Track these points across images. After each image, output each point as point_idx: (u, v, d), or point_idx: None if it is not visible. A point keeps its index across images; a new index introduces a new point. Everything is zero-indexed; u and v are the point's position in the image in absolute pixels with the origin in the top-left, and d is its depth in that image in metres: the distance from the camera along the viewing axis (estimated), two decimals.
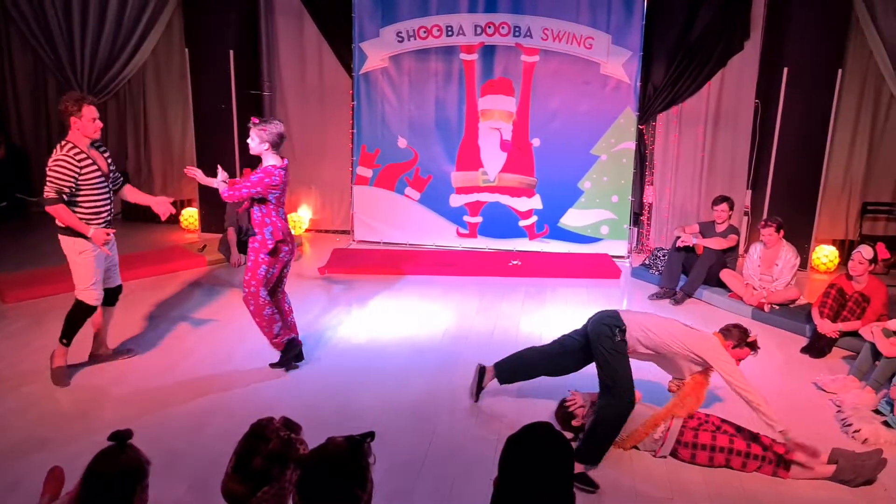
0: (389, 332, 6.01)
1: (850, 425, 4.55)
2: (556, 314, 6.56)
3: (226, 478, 2.27)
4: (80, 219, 4.61)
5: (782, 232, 6.65)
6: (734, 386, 3.97)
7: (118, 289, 5.10)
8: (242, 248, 7.71)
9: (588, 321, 4.35)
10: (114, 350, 5.27)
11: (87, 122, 4.58)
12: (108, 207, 4.78)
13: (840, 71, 7.75)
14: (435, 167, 8.52)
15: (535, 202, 8.49)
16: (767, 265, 6.69)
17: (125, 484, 2.22)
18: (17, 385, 4.81)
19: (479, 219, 8.59)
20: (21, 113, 9.42)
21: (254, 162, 8.68)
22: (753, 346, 4.30)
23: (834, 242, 8.43)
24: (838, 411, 4.78)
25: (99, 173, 4.66)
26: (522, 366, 4.64)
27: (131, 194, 5.12)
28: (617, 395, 4.07)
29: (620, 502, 3.76)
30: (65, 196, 4.54)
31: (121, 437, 2.27)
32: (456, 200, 8.58)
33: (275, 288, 5.12)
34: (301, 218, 9.14)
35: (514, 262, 7.98)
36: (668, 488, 3.90)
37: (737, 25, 8.04)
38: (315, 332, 5.93)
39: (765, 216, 7.78)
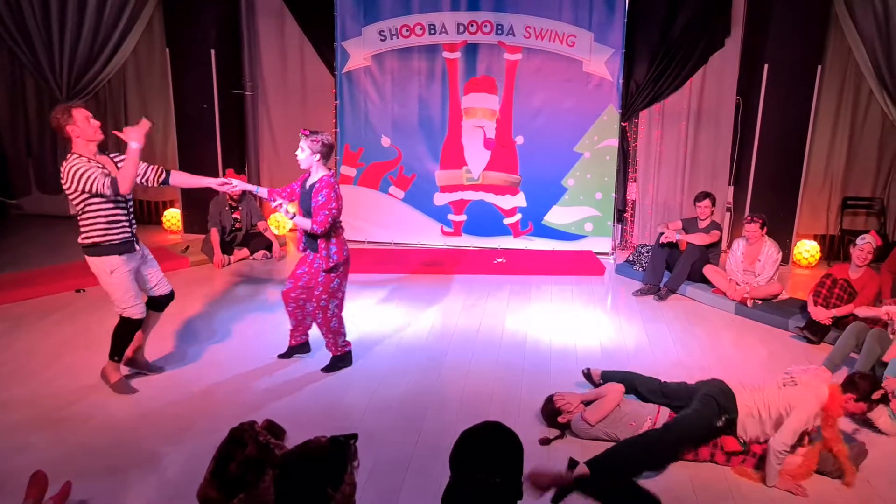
0: (375, 331, 6.00)
1: None
2: (541, 311, 6.58)
3: (203, 482, 2.25)
4: (98, 230, 4.40)
5: (766, 229, 6.71)
6: (782, 434, 3.87)
7: (170, 295, 4.91)
8: (226, 248, 7.68)
9: (703, 385, 4.25)
10: (147, 362, 5.06)
11: (84, 126, 4.32)
12: (128, 216, 4.53)
13: (820, 67, 7.83)
14: (419, 166, 8.51)
15: (520, 200, 8.51)
16: (750, 261, 6.74)
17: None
18: None
19: (463, 217, 8.60)
20: None
21: (236, 163, 8.67)
22: (882, 401, 4.02)
23: (815, 237, 8.51)
24: None
25: (105, 173, 4.36)
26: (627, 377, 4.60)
27: (182, 180, 4.90)
28: (662, 444, 4.02)
29: None
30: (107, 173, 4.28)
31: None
32: (440, 199, 8.58)
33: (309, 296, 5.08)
34: (285, 218, 9.07)
35: (499, 260, 8.00)
36: (654, 484, 3.91)
37: (718, 23, 8.09)
38: None
39: (747, 212, 7.86)
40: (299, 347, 5.34)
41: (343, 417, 4.49)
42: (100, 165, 4.34)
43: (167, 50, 8.48)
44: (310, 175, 4.84)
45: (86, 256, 4.52)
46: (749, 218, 6.81)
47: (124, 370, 4.88)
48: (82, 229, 4.45)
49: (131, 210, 4.59)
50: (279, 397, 4.77)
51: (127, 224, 4.54)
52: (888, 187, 8.31)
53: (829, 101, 8.18)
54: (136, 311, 4.63)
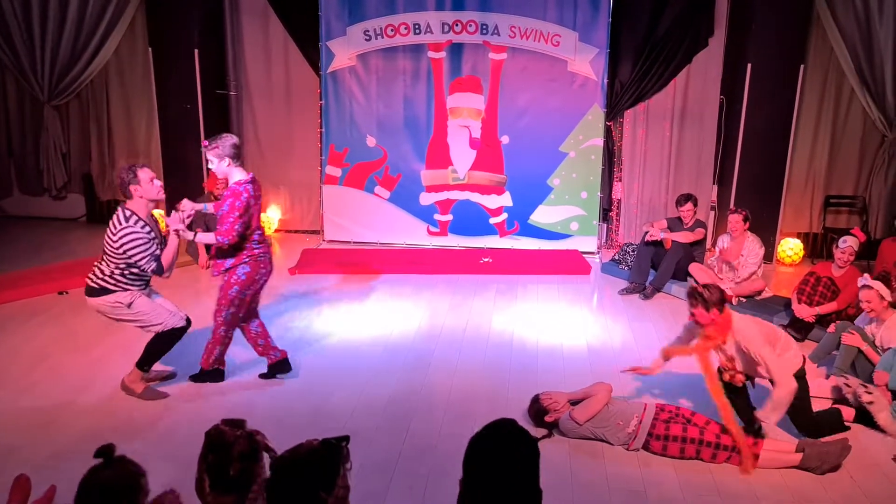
0: (361, 331, 5.99)
1: (865, 387, 4.63)
2: (527, 311, 6.59)
3: (208, 498, 2.23)
4: (122, 285, 4.38)
5: (748, 223, 6.78)
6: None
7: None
8: (211, 249, 7.62)
9: None
10: (155, 371, 4.94)
11: (147, 186, 4.35)
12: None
13: (802, 67, 7.90)
14: (404, 166, 8.50)
15: (505, 199, 8.52)
16: (733, 257, 6.83)
17: (117, 499, 2.15)
18: None
19: (449, 217, 8.60)
20: None
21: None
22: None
23: (798, 235, 8.58)
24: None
25: (157, 241, 4.44)
26: None
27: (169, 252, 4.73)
28: None
29: (594, 496, 3.79)
30: (158, 252, 4.37)
31: (106, 453, 2.21)
32: (426, 199, 8.57)
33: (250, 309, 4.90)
34: (270, 218, 9.07)
35: (485, 260, 8.00)
36: (641, 480, 3.93)
37: (701, 22, 8.13)
38: (286, 333, 5.88)
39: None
40: (278, 365, 5.03)
41: (330, 418, 4.47)
42: (152, 235, 4.37)
43: (150, 50, 8.42)
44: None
45: (90, 300, 4.45)
46: (733, 209, 6.90)
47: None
48: (98, 272, 4.40)
49: None
50: (266, 398, 4.76)
51: (148, 279, 4.55)
52: (870, 185, 8.39)
53: (812, 100, 8.25)
54: (177, 320, 4.60)
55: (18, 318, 6.03)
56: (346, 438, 2.11)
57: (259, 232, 4.70)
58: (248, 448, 2.21)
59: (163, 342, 4.62)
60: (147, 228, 4.37)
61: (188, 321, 4.71)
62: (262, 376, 5.04)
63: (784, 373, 4.03)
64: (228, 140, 4.54)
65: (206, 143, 4.56)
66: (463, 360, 5.46)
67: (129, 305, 4.45)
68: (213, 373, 4.94)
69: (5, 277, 6.80)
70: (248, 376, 5.06)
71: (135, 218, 4.34)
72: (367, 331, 6.00)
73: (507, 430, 2.05)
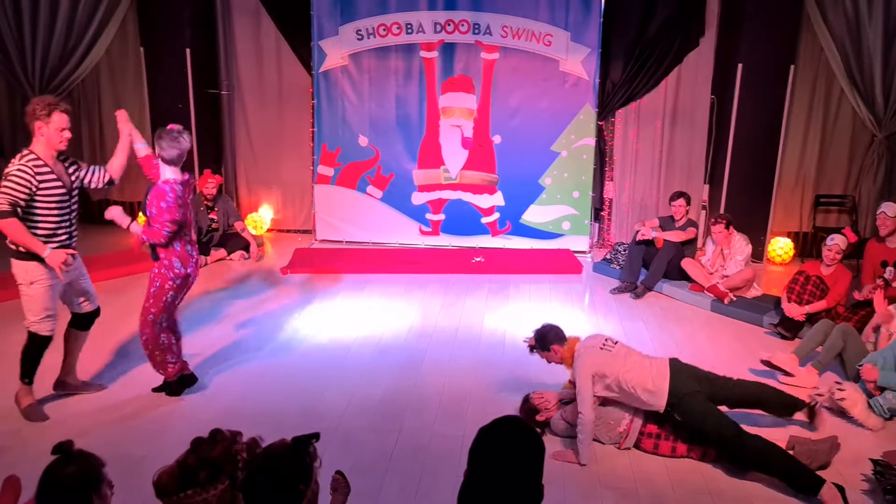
0: (353, 331, 5.99)
1: (838, 383, 4.68)
2: (519, 310, 6.60)
3: (165, 467, 2.27)
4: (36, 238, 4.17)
5: (732, 228, 6.85)
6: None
7: (95, 312, 4.65)
8: (203, 249, 7.61)
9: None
10: (83, 382, 4.79)
11: (54, 131, 4.10)
12: (68, 228, 4.30)
13: (792, 67, 7.94)
14: (396, 165, 8.50)
15: (497, 199, 8.53)
16: (722, 259, 6.92)
17: (79, 493, 2.19)
18: None
19: (441, 216, 8.60)
20: None
21: (212, 164, 8.61)
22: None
23: (789, 234, 8.62)
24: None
25: (62, 190, 4.19)
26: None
27: (117, 164, 4.66)
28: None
29: (585, 495, 3.80)
30: (19, 210, 4.05)
31: (63, 450, 2.24)
32: (418, 198, 8.58)
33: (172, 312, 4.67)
34: (262, 218, 9.06)
35: (477, 259, 8.01)
36: (632, 479, 3.95)
37: (692, 23, 8.17)
38: (278, 332, 5.89)
39: (722, 209, 7.96)
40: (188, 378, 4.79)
41: (322, 418, 4.47)
42: (43, 179, 4.11)
43: (141, 49, 8.40)
44: (159, 174, 4.46)
45: (11, 259, 4.22)
46: (713, 220, 6.96)
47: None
48: None
49: (73, 221, 4.37)
50: (254, 399, 4.75)
51: (66, 236, 4.31)
52: (859, 184, 8.44)
53: (802, 100, 8.29)
54: (45, 327, 4.30)
55: (5, 319, 6.00)
56: (316, 436, 2.14)
57: (189, 233, 4.53)
58: (219, 457, 2.24)
59: (30, 351, 4.38)
60: (47, 172, 4.11)
61: (78, 327, 4.56)
62: (157, 389, 4.76)
63: (585, 404, 4.04)
64: (184, 143, 4.38)
65: (179, 128, 4.40)
66: (455, 359, 5.47)
67: (31, 284, 4.23)
68: (180, 379, 4.72)
69: None
70: (239, 377, 5.06)
71: (35, 159, 4.09)
72: (359, 330, 6.00)
73: (512, 427, 2.07)
